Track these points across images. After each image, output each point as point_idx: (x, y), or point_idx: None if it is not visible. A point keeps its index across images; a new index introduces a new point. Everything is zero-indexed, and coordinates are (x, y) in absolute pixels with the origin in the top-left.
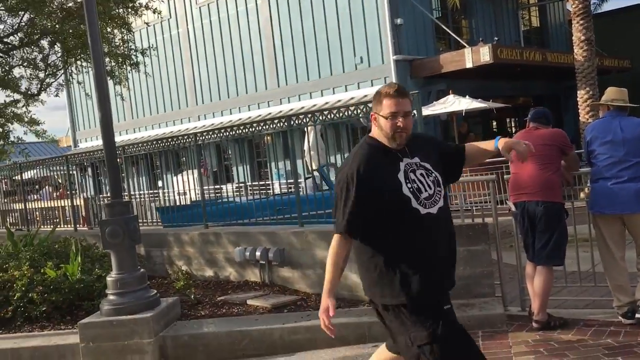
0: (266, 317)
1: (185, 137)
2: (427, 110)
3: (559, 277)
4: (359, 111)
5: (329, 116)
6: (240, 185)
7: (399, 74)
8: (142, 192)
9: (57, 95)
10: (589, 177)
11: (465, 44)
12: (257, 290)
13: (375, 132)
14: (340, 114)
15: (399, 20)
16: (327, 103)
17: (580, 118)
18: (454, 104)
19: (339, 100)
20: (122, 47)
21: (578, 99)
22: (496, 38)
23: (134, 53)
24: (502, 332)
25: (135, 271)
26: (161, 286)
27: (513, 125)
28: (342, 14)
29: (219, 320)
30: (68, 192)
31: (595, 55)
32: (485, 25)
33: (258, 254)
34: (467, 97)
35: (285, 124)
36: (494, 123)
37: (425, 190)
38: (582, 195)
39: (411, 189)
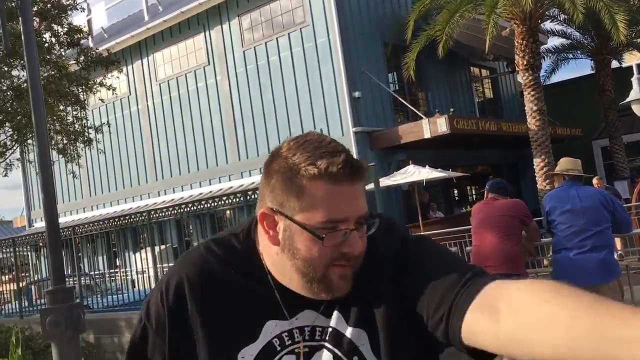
0: None
1: (138, 215)
2: (388, 181)
3: None
4: None
5: None
6: None
7: (359, 145)
8: (97, 271)
9: (5, 175)
10: (550, 247)
11: (423, 115)
12: None
13: (263, 246)
14: None
15: (357, 94)
16: None
17: (537, 186)
18: (414, 174)
19: None
20: (75, 125)
21: (534, 167)
22: (452, 109)
23: (88, 130)
24: None
25: None
26: None
27: (473, 193)
28: (301, 87)
29: None
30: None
31: (547, 124)
32: (441, 97)
33: None
34: (426, 166)
35: (242, 198)
36: (455, 192)
37: None
38: (545, 262)
39: None
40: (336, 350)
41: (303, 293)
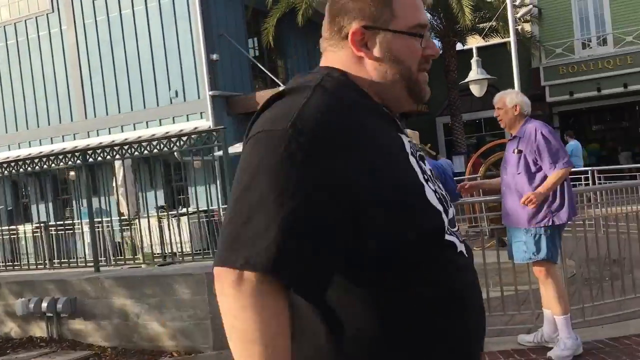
0: None
1: None
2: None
3: None
4: (173, 145)
5: (129, 150)
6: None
7: (215, 109)
8: None
9: None
10: None
11: (281, 83)
12: (43, 347)
13: (353, 70)
14: (152, 148)
15: (214, 56)
16: (140, 137)
17: None
18: None
19: (153, 135)
20: None
21: None
22: None
23: None
24: None
25: None
26: None
27: None
28: (155, 45)
29: None
30: None
31: None
32: (300, 66)
33: (44, 305)
34: None
35: (80, 158)
36: None
37: (448, 205)
38: None
39: (437, 195)
40: (421, 158)
41: (399, 103)
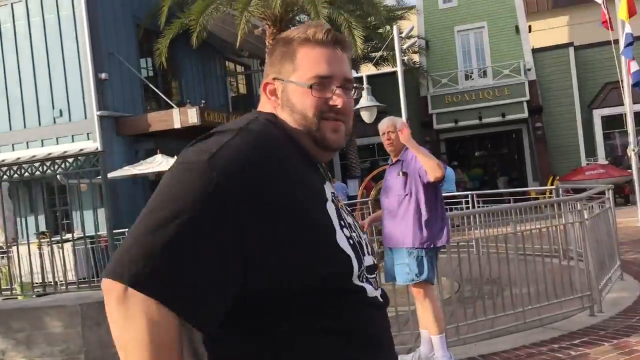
0: None
1: None
2: (134, 169)
3: None
4: (47, 169)
5: (6, 172)
6: None
7: (104, 130)
8: None
9: None
10: None
11: (174, 105)
12: None
13: (280, 115)
14: (23, 171)
15: (103, 75)
16: (19, 158)
17: None
18: (162, 163)
19: (34, 156)
20: None
21: None
22: (204, 101)
23: None
24: None
25: None
26: None
27: None
28: (38, 62)
29: None
30: None
31: None
32: (195, 88)
33: None
34: (175, 157)
35: None
36: None
37: (367, 252)
38: None
39: (351, 241)
40: (342, 206)
41: (313, 152)
